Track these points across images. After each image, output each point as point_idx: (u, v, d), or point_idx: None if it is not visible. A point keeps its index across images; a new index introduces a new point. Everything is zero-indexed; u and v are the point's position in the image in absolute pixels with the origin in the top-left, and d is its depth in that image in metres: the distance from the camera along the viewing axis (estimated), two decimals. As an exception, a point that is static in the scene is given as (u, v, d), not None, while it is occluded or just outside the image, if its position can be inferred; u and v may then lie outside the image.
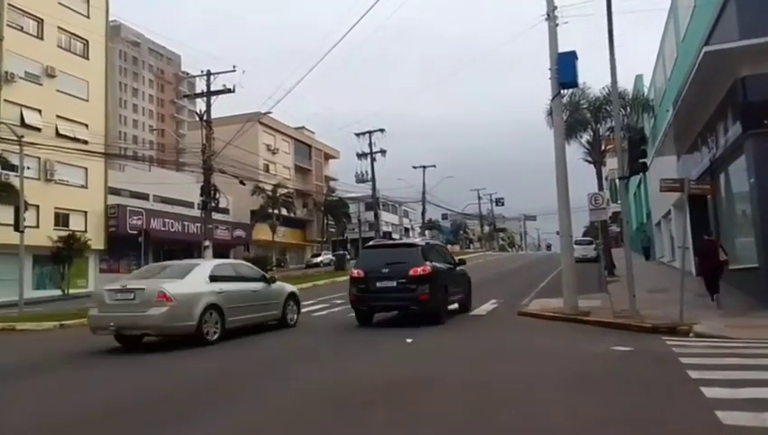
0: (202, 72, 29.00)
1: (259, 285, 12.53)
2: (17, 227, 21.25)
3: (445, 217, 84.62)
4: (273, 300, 12.83)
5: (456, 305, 14.44)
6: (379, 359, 9.08)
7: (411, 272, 12.19)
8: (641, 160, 12.77)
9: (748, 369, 6.78)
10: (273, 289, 12.91)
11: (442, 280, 12.95)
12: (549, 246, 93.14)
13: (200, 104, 30.02)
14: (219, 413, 5.86)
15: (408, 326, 12.03)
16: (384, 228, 68.25)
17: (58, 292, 34.02)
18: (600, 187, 24.58)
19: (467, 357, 8.87)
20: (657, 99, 25.32)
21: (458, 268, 14.95)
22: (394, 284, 12.33)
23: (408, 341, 10.43)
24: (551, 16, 13.41)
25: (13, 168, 27.92)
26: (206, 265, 12.30)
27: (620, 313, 11.96)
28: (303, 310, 14.93)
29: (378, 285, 12.47)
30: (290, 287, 13.84)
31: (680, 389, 6.07)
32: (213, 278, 11.29)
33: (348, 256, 42.96)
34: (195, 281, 10.95)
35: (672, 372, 6.87)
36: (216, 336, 10.79)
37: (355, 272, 13.06)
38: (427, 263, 12.54)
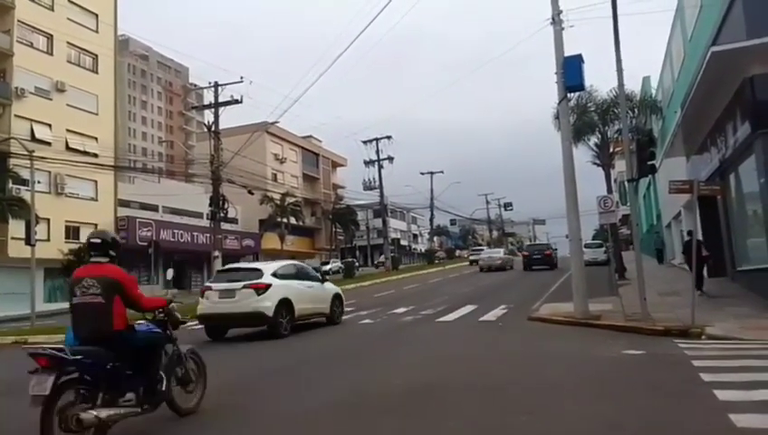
0: (210, 83, 29.30)
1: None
2: (28, 240, 21.45)
3: (453, 222, 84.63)
4: None
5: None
6: (399, 362, 9.06)
7: (546, 253, 36.02)
8: (650, 162, 12.67)
9: (761, 371, 6.68)
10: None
11: (554, 256, 36.19)
12: None
13: (208, 115, 30.27)
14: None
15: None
16: (392, 235, 68.26)
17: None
18: (609, 189, 24.42)
19: (479, 363, 8.81)
20: (665, 100, 25.18)
21: (555, 252, 39.53)
22: (540, 257, 35.43)
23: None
24: (556, 20, 13.37)
25: (24, 182, 28.26)
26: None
27: (632, 316, 11.85)
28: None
29: (533, 257, 35.75)
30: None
31: (693, 392, 6.00)
32: None
33: (356, 263, 42.87)
34: None
35: (684, 375, 6.79)
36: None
37: (525, 253, 38.42)
38: (549, 249, 37.14)
